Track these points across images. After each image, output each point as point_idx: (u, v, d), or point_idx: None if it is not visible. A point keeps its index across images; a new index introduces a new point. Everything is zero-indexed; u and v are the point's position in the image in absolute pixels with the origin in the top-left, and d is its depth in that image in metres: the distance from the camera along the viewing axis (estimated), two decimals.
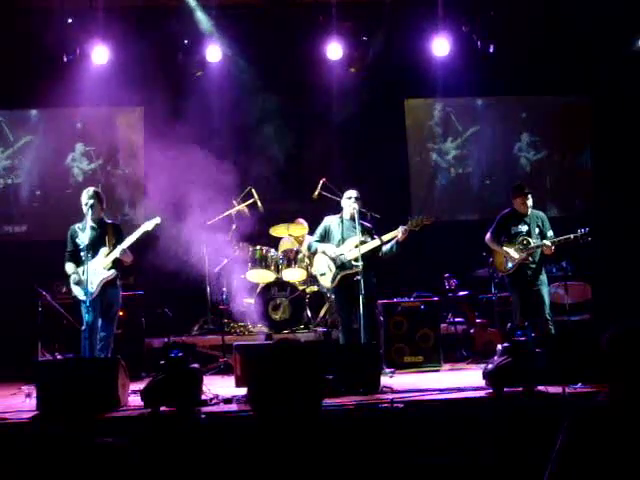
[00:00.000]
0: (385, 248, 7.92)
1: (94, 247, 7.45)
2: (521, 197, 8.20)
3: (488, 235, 8.37)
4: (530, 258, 8.09)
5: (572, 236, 7.92)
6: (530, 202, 8.19)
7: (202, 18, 10.22)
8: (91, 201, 7.46)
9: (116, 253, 7.46)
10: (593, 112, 11.93)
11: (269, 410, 2.63)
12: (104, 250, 7.50)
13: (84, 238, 7.41)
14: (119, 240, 7.58)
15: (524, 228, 8.16)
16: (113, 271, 7.51)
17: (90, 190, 7.63)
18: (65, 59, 10.03)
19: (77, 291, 7.47)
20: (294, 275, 9.73)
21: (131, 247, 7.56)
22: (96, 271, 7.38)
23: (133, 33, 10.01)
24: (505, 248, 8.14)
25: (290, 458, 2.53)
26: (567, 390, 5.95)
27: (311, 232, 9.18)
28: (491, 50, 10.51)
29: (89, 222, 7.46)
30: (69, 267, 7.56)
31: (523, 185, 8.39)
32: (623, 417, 2.77)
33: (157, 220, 7.76)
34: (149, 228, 7.68)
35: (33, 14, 9.83)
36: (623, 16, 10.36)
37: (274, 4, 10.46)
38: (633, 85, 11.04)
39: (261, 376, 2.67)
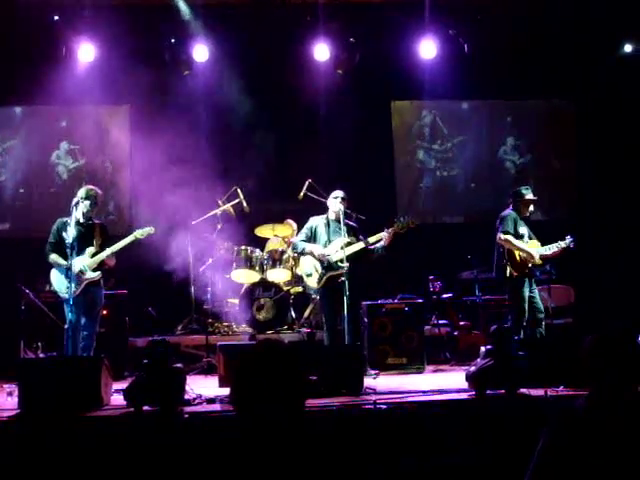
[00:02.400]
0: (369, 251, 7.93)
1: (80, 245, 7.40)
2: (531, 202, 8.24)
3: (502, 235, 8.02)
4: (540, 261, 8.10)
5: (564, 244, 8.05)
6: (532, 208, 8.29)
7: (189, 17, 10.20)
8: (74, 200, 7.44)
9: (103, 255, 7.44)
10: (577, 116, 12.01)
11: (252, 410, 2.63)
12: (90, 250, 7.47)
13: (70, 234, 7.38)
14: (105, 241, 7.56)
15: (526, 231, 8.15)
16: (99, 273, 7.49)
17: (93, 188, 7.63)
18: (51, 56, 9.99)
19: (59, 288, 7.44)
20: (279, 276, 9.72)
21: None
22: (79, 270, 7.35)
23: (120, 31, 9.94)
24: (526, 246, 8.04)
25: (273, 458, 2.53)
26: (549, 393, 5.98)
27: (298, 233, 9.17)
28: (477, 53, 10.55)
29: (79, 218, 7.44)
30: (54, 257, 7.49)
31: (532, 190, 8.35)
32: (601, 420, 2.80)
33: (150, 230, 7.75)
34: (140, 236, 7.67)
35: (19, 11, 9.77)
36: (608, 21, 10.43)
37: (261, 4, 10.44)
38: (617, 90, 11.13)
39: (244, 376, 2.67)
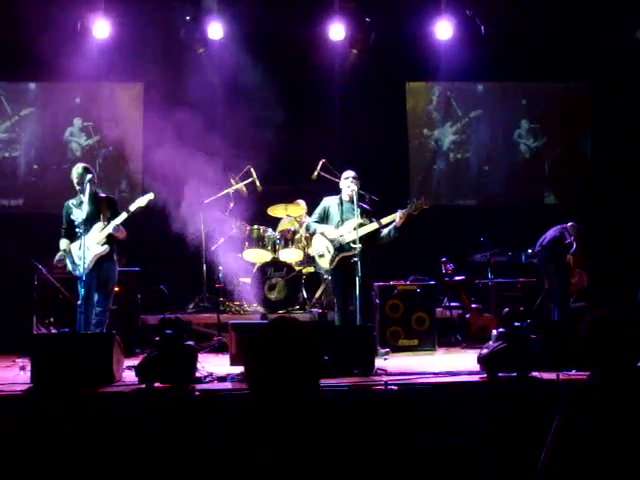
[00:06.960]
0: (383, 232, 7.89)
1: (90, 222, 7.42)
2: None
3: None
4: None
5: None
6: None
7: None
8: (88, 176, 7.44)
9: (109, 229, 7.43)
10: (593, 100, 11.92)
11: (267, 389, 2.61)
12: (99, 225, 7.46)
13: (81, 214, 7.38)
14: (113, 214, 7.54)
15: None
16: (106, 247, 7.47)
17: (80, 166, 7.59)
18: (66, 33, 9.96)
19: (72, 267, 7.48)
20: (291, 255, 9.71)
21: (127, 223, 7.55)
22: (89, 246, 7.35)
23: (135, 8, 9.94)
24: None
25: (286, 437, 2.53)
26: (561, 376, 5.96)
27: (310, 213, 9.15)
28: (494, 35, 10.47)
29: (86, 198, 7.42)
30: (62, 243, 7.57)
31: None
32: (607, 398, 2.84)
33: (150, 196, 7.73)
34: (142, 204, 7.63)
35: None
36: (624, 4, 10.33)
37: None
38: (633, 73, 11.03)
39: (259, 354, 2.65)
